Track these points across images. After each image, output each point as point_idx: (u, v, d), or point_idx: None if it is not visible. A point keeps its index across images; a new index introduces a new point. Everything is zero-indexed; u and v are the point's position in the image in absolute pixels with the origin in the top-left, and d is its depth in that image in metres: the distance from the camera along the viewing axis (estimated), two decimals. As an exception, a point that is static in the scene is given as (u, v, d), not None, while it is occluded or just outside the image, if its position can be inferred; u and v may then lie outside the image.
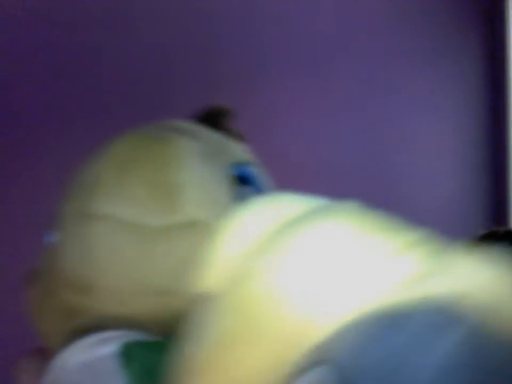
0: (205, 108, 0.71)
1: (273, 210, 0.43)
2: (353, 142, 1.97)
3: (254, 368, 0.38)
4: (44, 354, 0.60)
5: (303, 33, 1.91)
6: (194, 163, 0.58)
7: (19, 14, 1.51)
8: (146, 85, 1.67)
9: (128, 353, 0.52)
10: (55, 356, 0.57)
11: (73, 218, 0.58)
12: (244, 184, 0.61)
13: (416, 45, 2.12)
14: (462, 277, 0.34)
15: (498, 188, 2.22)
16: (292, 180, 1.81)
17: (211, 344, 0.40)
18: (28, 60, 1.52)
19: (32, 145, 1.50)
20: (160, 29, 1.69)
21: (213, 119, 0.69)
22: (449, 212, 2.13)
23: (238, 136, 0.71)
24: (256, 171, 0.64)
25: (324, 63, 1.95)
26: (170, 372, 0.43)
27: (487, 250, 0.37)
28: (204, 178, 0.57)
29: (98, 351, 0.53)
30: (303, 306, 0.37)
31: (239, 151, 0.65)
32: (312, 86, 1.93)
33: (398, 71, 2.09)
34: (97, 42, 1.60)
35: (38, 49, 1.53)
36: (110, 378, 0.51)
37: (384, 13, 2.06)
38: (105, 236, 0.55)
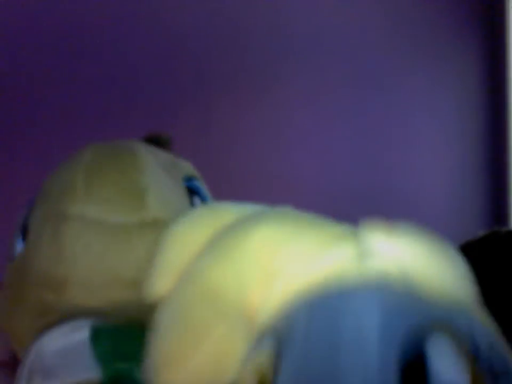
0: (144, 136, 0.77)
1: (214, 217, 0.49)
2: (353, 142, 1.98)
3: (211, 355, 0.44)
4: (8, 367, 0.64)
5: (302, 33, 1.91)
6: (155, 170, 0.64)
7: (16, 12, 1.51)
8: (146, 85, 1.67)
9: (97, 336, 0.58)
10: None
11: (43, 221, 0.63)
12: (194, 195, 0.68)
13: (415, 45, 2.12)
14: (391, 254, 0.41)
15: (498, 188, 2.22)
16: (292, 180, 1.82)
17: (173, 336, 0.45)
18: (26, 60, 1.52)
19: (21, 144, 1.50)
20: (159, 30, 1.69)
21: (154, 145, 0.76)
22: (449, 211, 2.13)
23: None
24: (202, 185, 0.71)
25: (322, 63, 1.95)
26: (144, 367, 0.48)
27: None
28: (164, 184, 0.64)
29: (72, 337, 0.59)
30: (253, 290, 0.43)
31: (187, 166, 0.72)
32: (312, 86, 1.93)
33: (397, 71, 2.09)
34: (96, 43, 1.60)
35: (36, 48, 1.53)
36: (82, 360, 0.57)
37: (384, 13, 2.06)
38: (76, 234, 0.61)
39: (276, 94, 1.86)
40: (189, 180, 0.69)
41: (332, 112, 1.96)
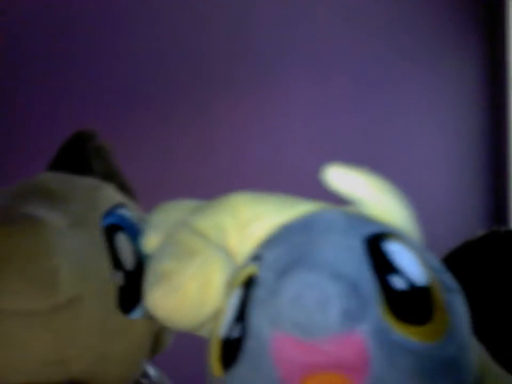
0: (68, 137, 0.74)
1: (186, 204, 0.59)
2: (353, 142, 1.98)
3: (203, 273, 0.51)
4: None
5: (302, 33, 1.92)
6: (64, 242, 0.61)
7: (16, 13, 1.51)
8: (145, 85, 1.67)
9: None
10: None
11: None
12: (118, 229, 0.65)
13: (416, 45, 2.12)
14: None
15: (498, 188, 2.22)
16: (288, 178, 1.82)
17: (165, 255, 0.53)
18: (27, 62, 1.52)
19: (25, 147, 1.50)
20: (158, 30, 1.69)
21: (79, 148, 0.73)
22: (449, 211, 2.13)
23: (108, 158, 0.74)
24: (127, 210, 0.68)
25: (323, 63, 1.96)
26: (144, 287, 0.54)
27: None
28: (77, 252, 0.62)
29: None
30: (231, 236, 0.53)
31: (108, 195, 0.68)
32: (312, 87, 1.93)
33: (398, 72, 2.09)
34: (96, 43, 1.61)
35: (36, 51, 1.53)
36: None
37: (384, 13, 2.06)
38: None
39: (277, 94, 1.87)
40: (109, 215, 0.65)
41: (331, 112, 1.97)
